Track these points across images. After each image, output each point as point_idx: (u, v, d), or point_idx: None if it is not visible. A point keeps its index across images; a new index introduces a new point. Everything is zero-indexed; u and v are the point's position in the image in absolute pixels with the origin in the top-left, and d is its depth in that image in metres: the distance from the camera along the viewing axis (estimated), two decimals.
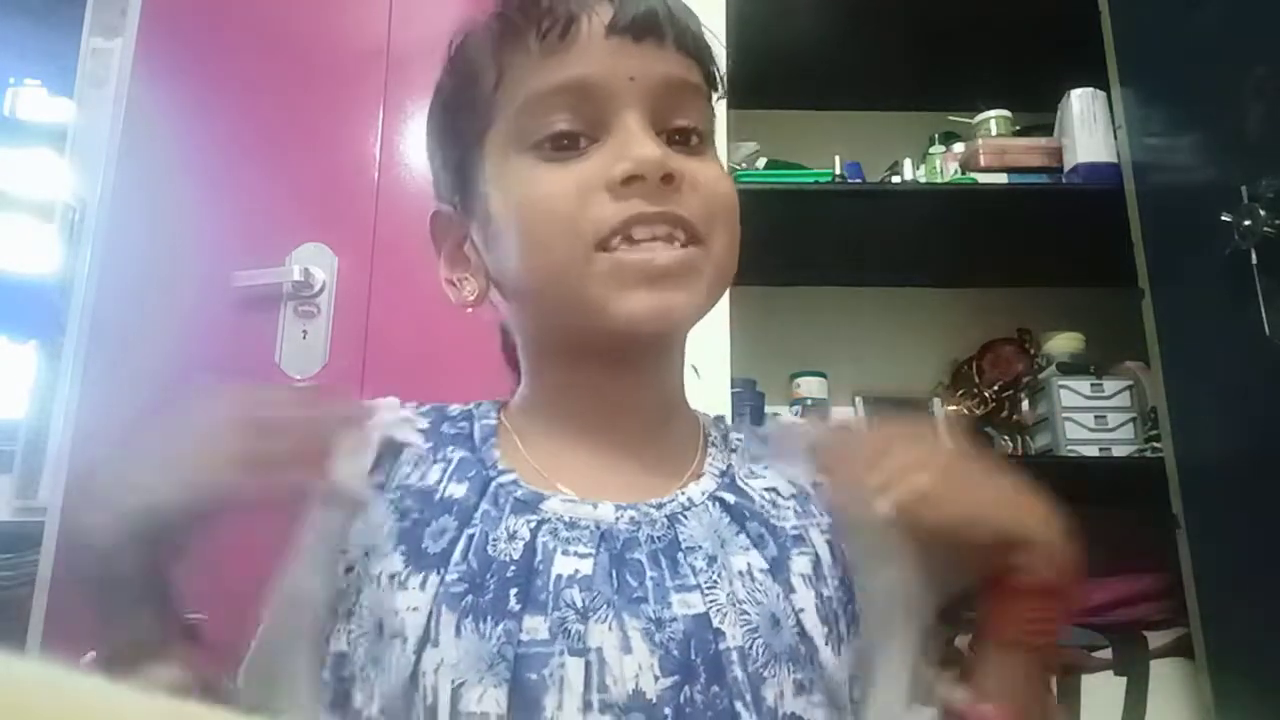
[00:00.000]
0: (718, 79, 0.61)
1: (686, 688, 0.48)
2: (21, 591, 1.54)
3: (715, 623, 0.50)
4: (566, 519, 0.53)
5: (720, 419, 0.65)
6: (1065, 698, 1.37)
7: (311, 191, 1.54)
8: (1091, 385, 1.62)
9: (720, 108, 0.63)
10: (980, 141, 1.69)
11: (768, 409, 1.78)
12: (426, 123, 0.64)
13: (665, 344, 0.59)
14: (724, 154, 0.66)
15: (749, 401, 1.68)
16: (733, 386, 1.43)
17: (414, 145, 1.54)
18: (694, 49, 0.58)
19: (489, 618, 0.49)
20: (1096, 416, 1.59)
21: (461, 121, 0.60)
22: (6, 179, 2.36)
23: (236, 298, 1.47)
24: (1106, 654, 1.39)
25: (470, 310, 0.62)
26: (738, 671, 0.49)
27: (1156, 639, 1.40)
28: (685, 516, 0.54)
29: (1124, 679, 1.37)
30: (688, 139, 0.57)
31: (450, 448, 0.57)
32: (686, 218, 0.54)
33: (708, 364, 1.37)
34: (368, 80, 1.57)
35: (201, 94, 1.61)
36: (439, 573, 0.51)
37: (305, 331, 1.47)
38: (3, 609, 1.63)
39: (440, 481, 0.55)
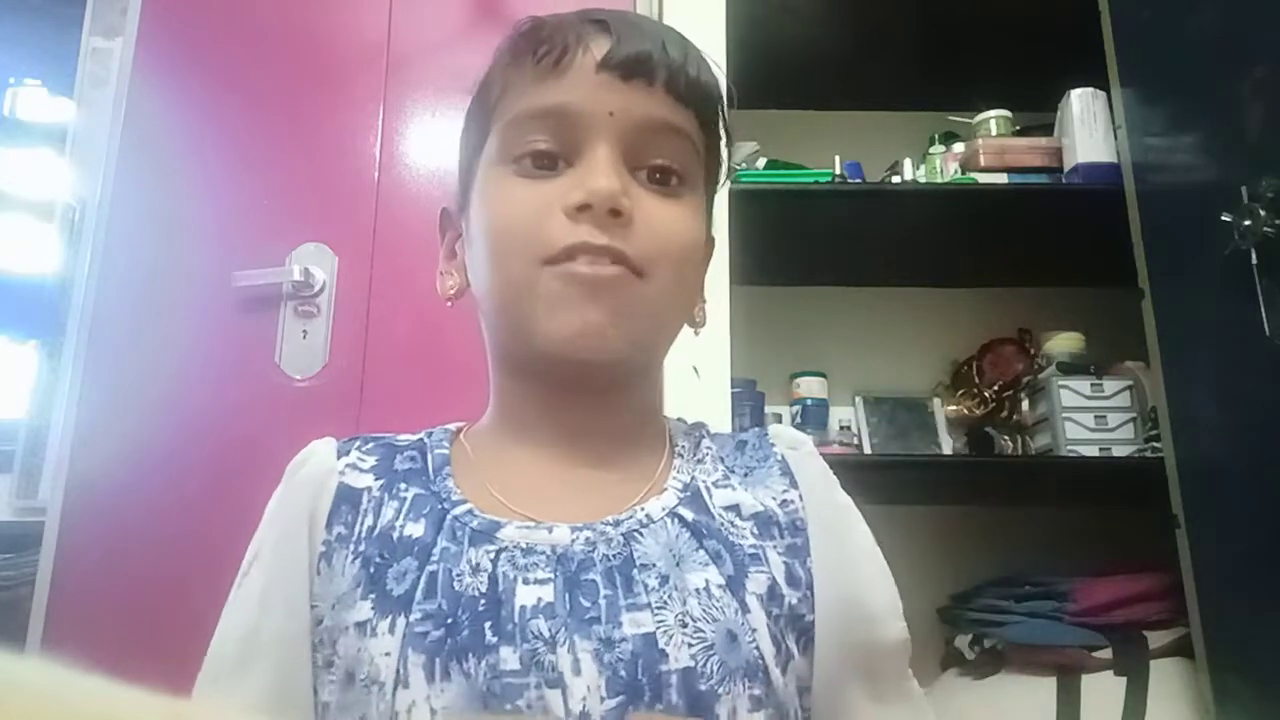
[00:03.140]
0: (719, 125, 0.62)
1: (631, 707, 0.49)
2: (21, 591, 1.53)
3: (661, 644, 0.50)
4: (523, 545, 0.53)
5: (697, 425, 0.66)
6: (1065, 697, 1.37)
7: (311, 191, 1.54)
8: (1091, 385, 1.62)
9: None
10: (980, 141, 1.69)
11: (768, 409, 1.78)
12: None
13: (615, 374, 0.58)
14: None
15: (749, 401, 1.68)
16: (733, 386, 1.42)
17: (414, 145, 1.54)
18: (686, 94, 0.58)
19: (470, 655, 0.49)
20: (1096, 416, 1.59)
21: (471, 129, 0.63)
22: (6, 179, 2.35)
23: (236, 298, 1.47)
24: (1106, 654, 1.38)
25: (450, 304, 0.64)
26: (675, 695, 0.49)
27: (1156, 639, 1.39)
28: (642, 534, 0.55)
29: (1124, 679, 1.36)
30: (667, 179, 0.58)
31: (403, 484, 0.58)
32: (628, 254, 0.55)
33: (708, 364, 1.37)
34: (368, 80, 1.57)
35: (201, 94, 1.61)
36: (405, 615, 0.51)
37: (305, 331, 1.47)
38: (3, 609, 1.63)
39: (397, 521, 0.56)
